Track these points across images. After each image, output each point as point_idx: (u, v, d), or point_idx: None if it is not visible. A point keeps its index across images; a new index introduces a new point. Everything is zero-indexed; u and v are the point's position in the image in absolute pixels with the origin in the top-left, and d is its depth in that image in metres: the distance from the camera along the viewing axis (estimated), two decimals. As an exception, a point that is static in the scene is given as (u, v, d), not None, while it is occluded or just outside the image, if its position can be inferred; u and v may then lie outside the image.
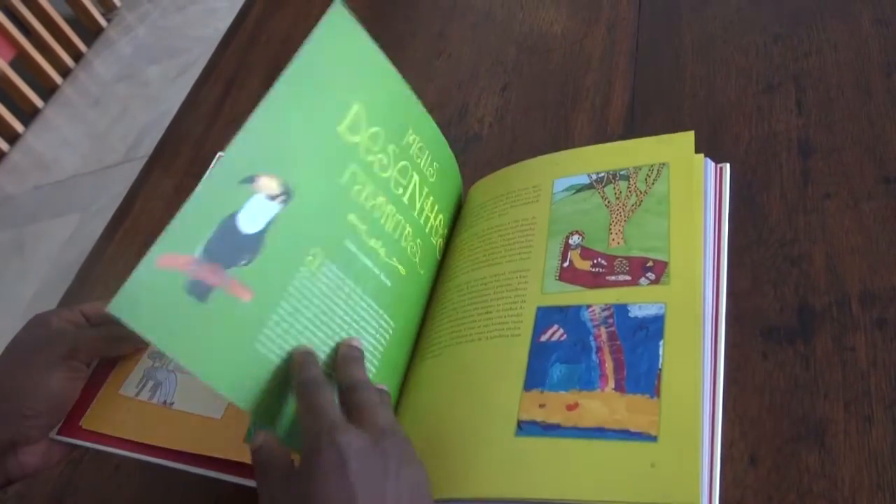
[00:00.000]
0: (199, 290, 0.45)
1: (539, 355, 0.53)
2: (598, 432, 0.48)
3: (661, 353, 0.49)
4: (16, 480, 0.55)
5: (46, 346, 0.55)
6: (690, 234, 0.54)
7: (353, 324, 0.53)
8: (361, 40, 0.58)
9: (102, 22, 2.97)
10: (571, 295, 0.55)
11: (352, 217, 0.55)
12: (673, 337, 0.50)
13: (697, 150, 0.59)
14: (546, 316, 0.55)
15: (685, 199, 0.56)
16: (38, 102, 2.72)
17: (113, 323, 0.57)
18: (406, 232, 0.58)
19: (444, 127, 0.79)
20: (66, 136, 2.62)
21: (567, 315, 0.54)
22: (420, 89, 0.85)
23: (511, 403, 0.51)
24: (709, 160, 0.58)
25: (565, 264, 0.57)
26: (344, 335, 0.52)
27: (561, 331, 0.54)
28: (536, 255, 0.58)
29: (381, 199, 0.56)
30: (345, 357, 0.50)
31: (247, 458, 0.49)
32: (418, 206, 0.59)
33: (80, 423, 0.57)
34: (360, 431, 0.44)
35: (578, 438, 0.48)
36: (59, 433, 0.56)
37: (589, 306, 0.54)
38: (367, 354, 0.53)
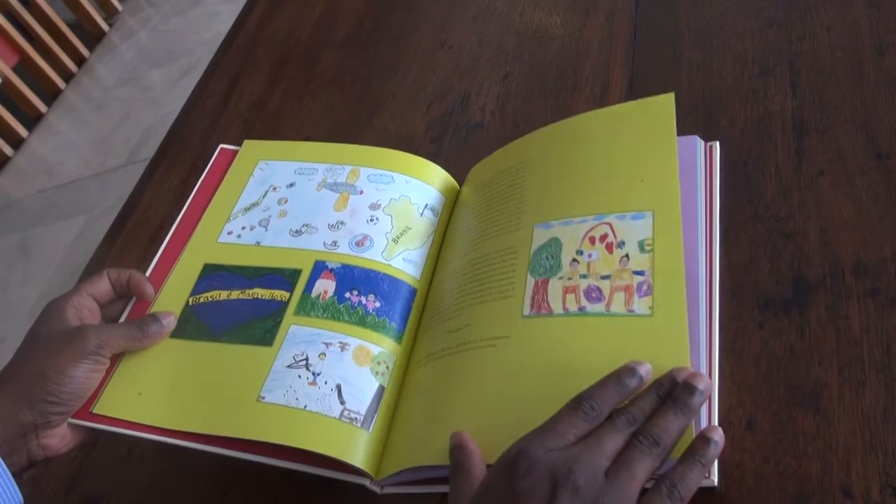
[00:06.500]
0: None
1: None
2: None
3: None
4: (37, 462, 0.57)
5: (76, 339, 0.57)
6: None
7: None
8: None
9: (104, 26, 2.98)
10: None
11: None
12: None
13: (694, 132, 0.60)
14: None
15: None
16: (42, 107, 2.73)
17: (136, 321, 0.60)
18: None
19: (447, 116, 0.81)
20: (70, 140, 2.63)
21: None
22: (422, 81, 0.87)
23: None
24: (697, 138, 0.59)
25: None
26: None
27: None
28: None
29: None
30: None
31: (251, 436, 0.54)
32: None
33: (91, 409, 0.59)
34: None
35: None
36: (73, 417, 0.58)
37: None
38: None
